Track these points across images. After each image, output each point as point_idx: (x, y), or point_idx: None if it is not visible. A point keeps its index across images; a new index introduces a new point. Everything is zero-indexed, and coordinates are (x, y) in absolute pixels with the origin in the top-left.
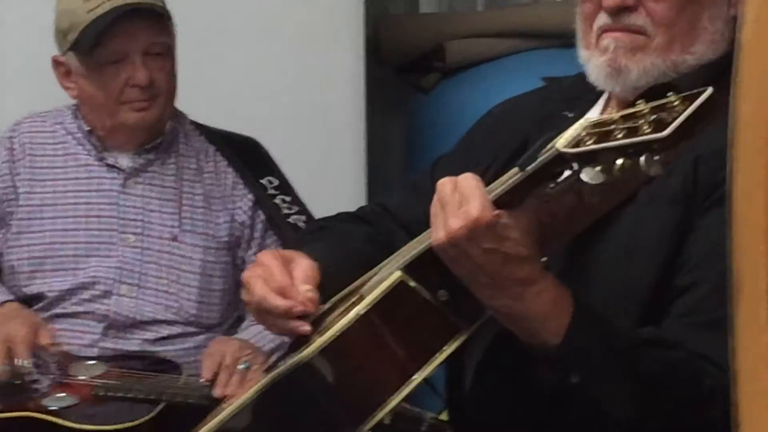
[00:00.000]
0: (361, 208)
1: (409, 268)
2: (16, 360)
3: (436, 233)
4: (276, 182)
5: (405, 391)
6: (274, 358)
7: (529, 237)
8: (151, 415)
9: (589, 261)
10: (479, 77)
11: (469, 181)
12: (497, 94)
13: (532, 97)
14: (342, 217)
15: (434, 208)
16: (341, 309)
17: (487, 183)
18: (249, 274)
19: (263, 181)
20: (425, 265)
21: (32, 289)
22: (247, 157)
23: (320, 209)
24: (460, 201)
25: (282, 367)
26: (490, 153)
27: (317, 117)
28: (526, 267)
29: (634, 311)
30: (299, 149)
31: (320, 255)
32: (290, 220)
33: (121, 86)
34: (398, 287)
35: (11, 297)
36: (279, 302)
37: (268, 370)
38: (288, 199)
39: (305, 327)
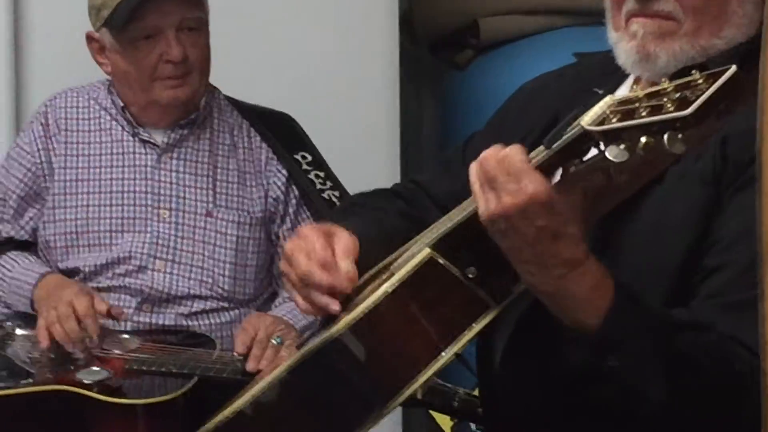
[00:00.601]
0: (395, 185)
1: (438, 245)
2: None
3: (488, 206)
4: (310, 158)
5: (434, 367)
6: (306, 334)
7: (577, 215)
8: (184, 389)
9: (618, 241)
10: (513, 54)
11: (518, 155)
12: (531, 71)
13: (564, 73)
14: (376, 193)
15: (479, 179)
16: (372, 286)
17: None
18: (291, 247)
19: (297, 157)
20: (454, 242)
21: (67, 264)
22: (281, 132)
23: (355, 186)
24: (510, 175)
25: (312, 343)
26: (522, 129)
27: (352, 94)
28: (573, 247)
29: (661, 291)
30: (334, 126)
31: (355, 231)
32: (324, 195)
33: (154, 62)
34: (427, 264)
35: (51, 269)
36: (324, 278)
37: (299, 346)
38: (322, 174)
39: (335, 306)
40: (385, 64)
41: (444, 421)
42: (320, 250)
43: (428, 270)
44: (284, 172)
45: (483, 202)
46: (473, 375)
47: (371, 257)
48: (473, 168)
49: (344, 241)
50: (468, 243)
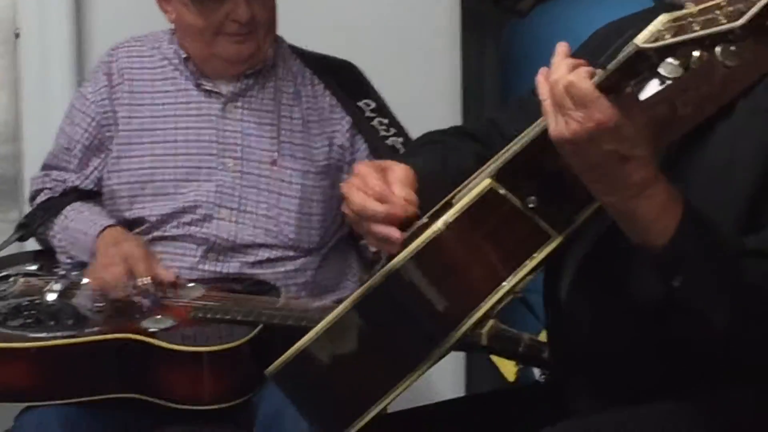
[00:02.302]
0: (471, 124)
1: (499, 176)
2: (138, 279)
3: (557, 128)
4: (373, 105)
5: (495, 296)
6: (367, 276)
7: (644, 137)
8: (249, 336)
9: (685, 172)
10: (575, 1)
11: (585, 82)
12: (593, 18)
13: (642, 17)
14: (452, 132)
15: (551, 98)
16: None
17: None
18: (346, 186)
19: (360, 104)
20: (514, 173)
21: (132, 213)
22: (344, 79)
23: (416, 135)
24: (578, 102)
25: (374, 277)
26: None
27: (413, 42)
28: (642, 168)
29: (729, 225)
30: (395, 76)
31: (423, 167)
32: (388, 142)
33: (221, 19)
34: (488, 194)
35: (113, 221)
36: (378, 207)
37: (362, 283)
38: (385, 121)
39: (395, 233)
40: (446, 13)
41: (507, 367)
42: (374, 184)
43: (489, 200)
44: (348, 119)
45: (553, 124)
46: (537, 320)
47: (434, 193)
48: (543, 85)
49: (398, 172)
50: (529, 172)
